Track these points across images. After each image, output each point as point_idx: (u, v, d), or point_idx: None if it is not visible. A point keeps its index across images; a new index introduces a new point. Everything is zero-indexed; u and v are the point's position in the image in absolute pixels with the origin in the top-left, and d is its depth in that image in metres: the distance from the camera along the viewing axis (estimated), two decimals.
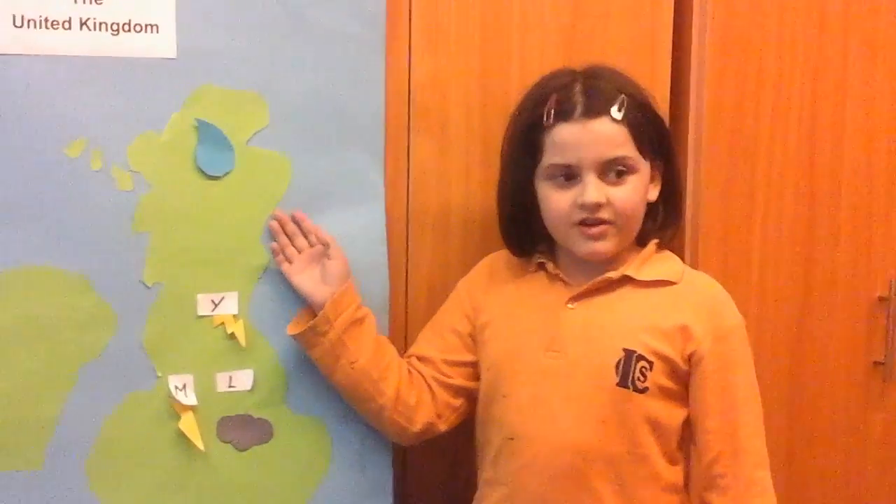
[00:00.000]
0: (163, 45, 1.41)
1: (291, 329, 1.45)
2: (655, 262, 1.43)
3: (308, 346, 1.44)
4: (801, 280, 1.79)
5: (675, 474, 1.41)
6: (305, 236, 1.48)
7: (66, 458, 1.40)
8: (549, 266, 1.46)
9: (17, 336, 1.37)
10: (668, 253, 1.47)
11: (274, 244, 1.47)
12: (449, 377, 1.49)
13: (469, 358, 1.50)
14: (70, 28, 1.37)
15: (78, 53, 1.37)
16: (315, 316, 1.43)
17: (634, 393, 1.35)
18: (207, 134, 1.43)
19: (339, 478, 1.53)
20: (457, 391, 1.50)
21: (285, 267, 1.46)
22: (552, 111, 1.37)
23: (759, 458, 1.38)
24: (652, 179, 1.42)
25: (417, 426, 1.47)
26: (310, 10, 1.47)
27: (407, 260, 1.60)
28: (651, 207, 1.44)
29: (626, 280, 1.41)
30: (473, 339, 1.50)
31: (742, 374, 1.39)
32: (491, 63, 1.61)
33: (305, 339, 1.44)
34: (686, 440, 1.42)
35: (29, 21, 1.35)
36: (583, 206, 1.35)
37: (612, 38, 1.66)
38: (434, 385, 1.48)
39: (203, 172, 1.44)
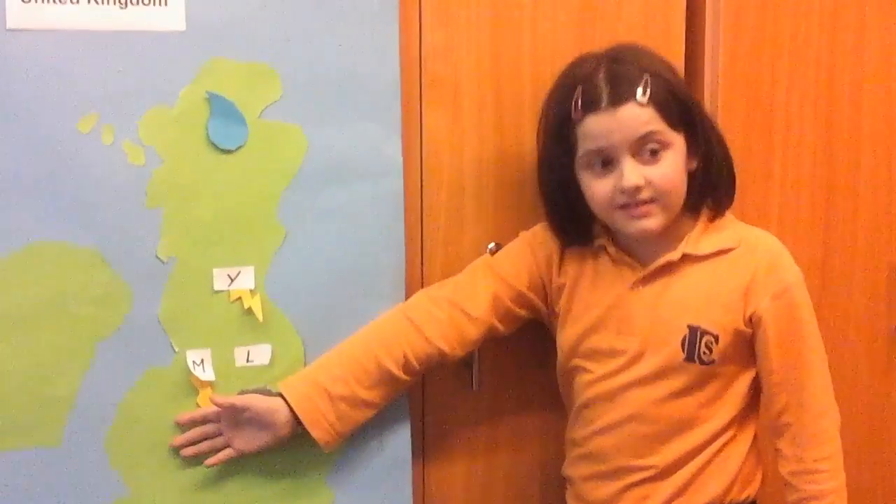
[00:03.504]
0: (172, 17, 1.39)
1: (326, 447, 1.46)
2: (712, 233, 1.46)
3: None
4: (819, 247, 1.78)
5: (735, 431, 1.47)
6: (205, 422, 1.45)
7: (85, 435, 1.39)
8: (612, 251, 1.48)
9: (32, 313, 1.36)
10: (723, 220, 1.48)
11: (210, 461, 1.45)
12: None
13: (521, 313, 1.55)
14: (78, 2, 1.35)
15: (86, 28, 1.36)
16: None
17: (701, 366, 1.42)
18: (219, 107, 1.42)
19: (358, 454, 1.53)
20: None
21: (231, 453, 1.44)
22: (579, 104, 1.37)
23: (824, 407, 1.44)
24: (689, 149, 1.41)
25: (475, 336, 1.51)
26: None
27: (422, 230, 1.58)
28: (696, 175, 1.43)
29: (686, 257, 1.44)
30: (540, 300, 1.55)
31: (804, 326, 1.43)
32: (502, 31, 1.59)
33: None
34: (755, 396, 1.49)
35: None
36: (622, 191, 1.36)
37: (624, 4, 1.64)
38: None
39: (216, 146, 1.42)
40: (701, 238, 1.44)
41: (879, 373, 1.84)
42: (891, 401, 1.85)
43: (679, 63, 1.65)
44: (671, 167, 1.37)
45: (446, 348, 1.47)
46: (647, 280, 1.45)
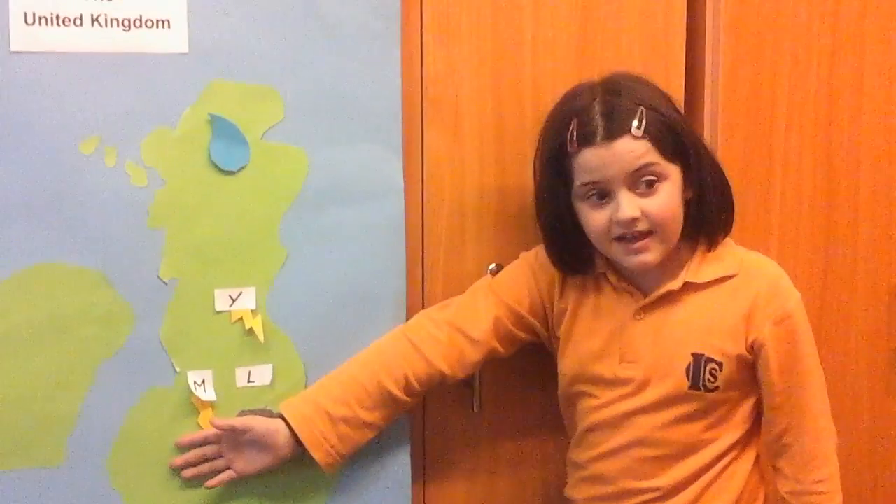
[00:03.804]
0: (175, 40, 1.40)
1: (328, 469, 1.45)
2: (712, 261, 1.46)
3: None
4: (819, 268, 1.78)
5: (739, 451, 1.48)
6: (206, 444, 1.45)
7: (86, 455, 1.39)
8: (613, 279, 1.48)
9: (35, 333, 1.36)
10: (723, 246, 1.48)
11: (211, 482, 1.45)
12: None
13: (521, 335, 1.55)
14: (81, 25, 1.36)
15: (90, 50, 1.37)
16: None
17: (706, 393, 1.43)
18: (221, 129, 1.42)
19: (358, 476, 1.53)
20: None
21: (232, 474, 1.44)
22: (574, 137, 1.37)
23: (823, 429, 1.47)
24: (685, 179, 1.41)
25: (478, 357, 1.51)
26: (323, 2, 1.46)
27: (423, 251, 1.58)
28: (693, 204, 1.43)
29: (688, 285, 1.44)
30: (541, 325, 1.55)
31: (804, 351, 1.45)
32: (503, 54, 1.60)
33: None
34: (758, 416, 1.50)
35: (40, 18, 1.34)
36: (619, 223, 1.37)
37: (625, 26, 1.65)
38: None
39: (218, 167, 1.43)
40: (701, 266, 1.45)
41: (880, 393, 1.84)
42: (892, 421, 1.85)
43: (679, 89, 1.66)
44: (667, 198, 1.38)
45: (447, 370, 1.47)
46: (648, 308, 1.45)
